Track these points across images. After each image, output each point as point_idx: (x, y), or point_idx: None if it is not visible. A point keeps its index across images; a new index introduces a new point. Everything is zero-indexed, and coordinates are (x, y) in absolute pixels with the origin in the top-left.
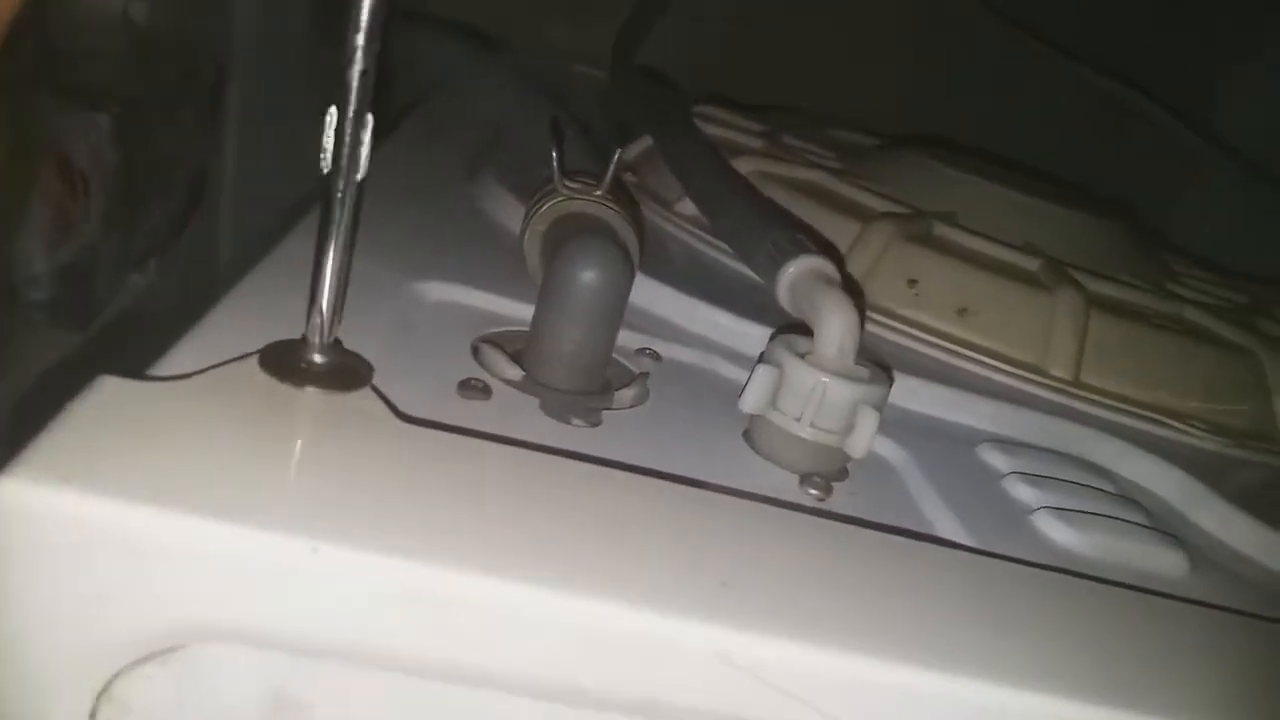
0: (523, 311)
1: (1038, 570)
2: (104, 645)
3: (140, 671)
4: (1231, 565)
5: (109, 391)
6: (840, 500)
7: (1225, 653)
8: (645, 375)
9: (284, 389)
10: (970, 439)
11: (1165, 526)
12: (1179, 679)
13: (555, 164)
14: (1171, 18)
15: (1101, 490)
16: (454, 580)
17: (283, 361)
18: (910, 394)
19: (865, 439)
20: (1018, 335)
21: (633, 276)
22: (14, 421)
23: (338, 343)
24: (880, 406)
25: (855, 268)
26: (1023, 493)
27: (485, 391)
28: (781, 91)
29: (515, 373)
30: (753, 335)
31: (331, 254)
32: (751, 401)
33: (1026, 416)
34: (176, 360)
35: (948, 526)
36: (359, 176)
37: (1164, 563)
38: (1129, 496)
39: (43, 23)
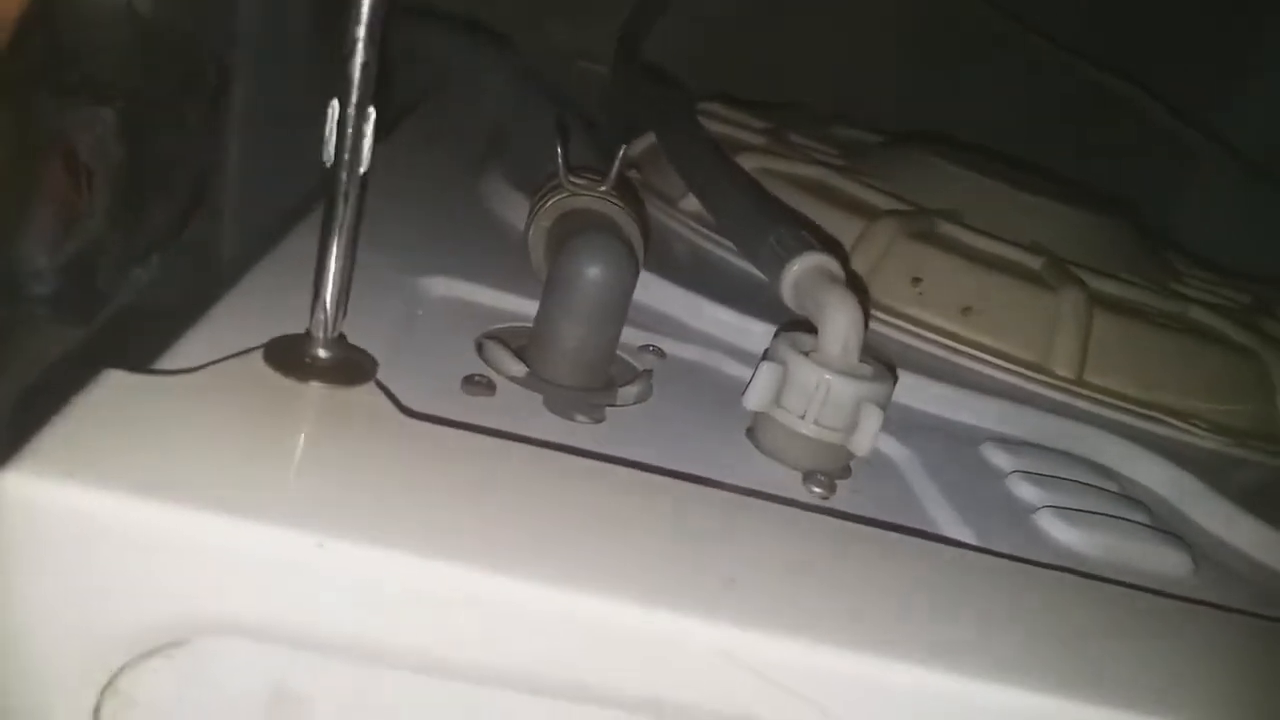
0: (527, 307)
1: (1040, 569)
2: (108, 639)
3: (144, 665)
4: (1234, 565)
5: (113, 385)
6: (844, 498)
7: (1228, 653)
8: (649, 372)
9: (288, 384)
10: (973, 437)
11: (1168, 526)
12: (1182, 679)
13: (560, 160)
14: (1172, 17)
15: (1104, 489)
16: (458, 576)
17: (287, 356)
18: (914, 392)
19: (869, 437)
20: (1021, 333)
21: (637, 273)
22: (18, 415)
23: (342, 337)
24: (884, 404)
25: (859, 265)
26: (1026, 492)
27: (489, 387)
28: (782, 90)
29: (519, 369)
30: (757, 332)
31: (335, 248)
32: (755, 399)
33: (1029, 415)
34: (181, 354)
35: (951, 525)
36: (362, 170)
37: (1166, 562)
38: (1132, 496)
39: (50, 19)
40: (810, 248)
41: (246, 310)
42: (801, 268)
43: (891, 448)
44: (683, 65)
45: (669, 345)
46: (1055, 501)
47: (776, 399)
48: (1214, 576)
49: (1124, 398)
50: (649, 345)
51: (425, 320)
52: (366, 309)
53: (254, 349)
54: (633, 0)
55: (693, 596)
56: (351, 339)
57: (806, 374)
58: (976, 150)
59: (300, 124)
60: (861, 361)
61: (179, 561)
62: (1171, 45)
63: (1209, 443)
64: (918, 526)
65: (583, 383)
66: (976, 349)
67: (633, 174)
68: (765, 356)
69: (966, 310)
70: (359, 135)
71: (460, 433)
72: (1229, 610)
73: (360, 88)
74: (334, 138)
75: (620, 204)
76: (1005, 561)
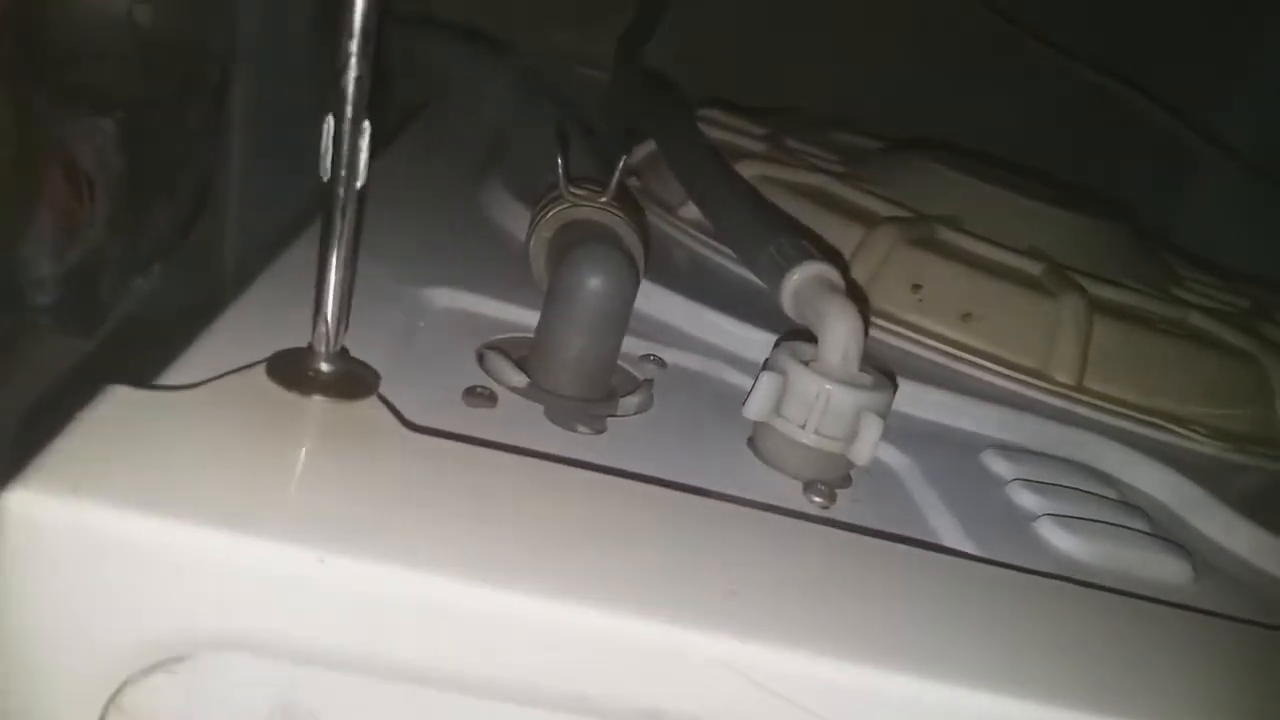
0: (528, 318)
1: (1041, 578)
2: (112, 654)
3: (148, 681)
4: (1234, 571)
5: (117, 401)
6: (844, 508)
7: (1228, 660)
8: (650, 382)
9: (291, 398)
10: (974, 445)
11: (1168, 533)
12: (1182, 686)
13: (561, 170)
14: (1171, 18)
15: (1104, 497)
16: (461, 590)
17: (290, 370)
18: (914, 400)
19: (869, 446)
20: (1021, 340)
21: (638, 283)
22: (23, 431)
23: (344, 351)
24: (884, 413)
25: (859, 272)
26: (1026, 500)
27: (491, 399)
28: (782, 94)
29: (520, 379)
30: (757, 341)
31: (334, 263)
32: (756, 408)
33: (1029, 422)
34: (184, 369)
35: (951, 534)
36: (359, 184)
37: (1167, 570)
38: (1132, 503)
39: (25, 22)
40: (810, 257)
41: (249, 324)
42: (801, 277)
43: (892, 456)
44: (682, 69)
45: (670, 354)
46: (1055, 509)
47: (777, 408)
48: (1214, 583)
49: (1124, 404)
50: (650, 354)
51: (427, 331)
52: (368, 321)
53: (257, 363)
54: (634, 6)
55: (694, 608)
56: (354, 351)
57: (807, 383)
58: (976, 155)
59: (303, 127)
60: (862, 370)
61: (182, 577)
62: (1170, 46)
63: (1209, 448)
64: (918, 536)
65: (584, 393)
66: (976, 355)
67: (633, 181)
68: (765, 366)
69: (966, 316)
70: (355, 150)
71: (462, 446)
72: (1229, 619)
73: (354, 102)
74: (330, 153)
75: (621, 214)
76: (1005, 571)
